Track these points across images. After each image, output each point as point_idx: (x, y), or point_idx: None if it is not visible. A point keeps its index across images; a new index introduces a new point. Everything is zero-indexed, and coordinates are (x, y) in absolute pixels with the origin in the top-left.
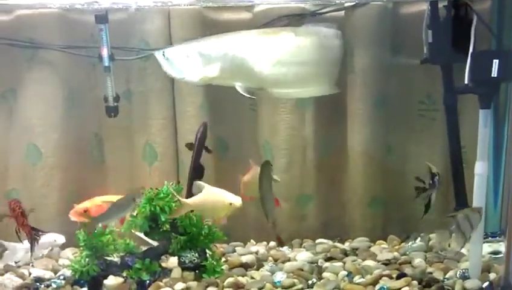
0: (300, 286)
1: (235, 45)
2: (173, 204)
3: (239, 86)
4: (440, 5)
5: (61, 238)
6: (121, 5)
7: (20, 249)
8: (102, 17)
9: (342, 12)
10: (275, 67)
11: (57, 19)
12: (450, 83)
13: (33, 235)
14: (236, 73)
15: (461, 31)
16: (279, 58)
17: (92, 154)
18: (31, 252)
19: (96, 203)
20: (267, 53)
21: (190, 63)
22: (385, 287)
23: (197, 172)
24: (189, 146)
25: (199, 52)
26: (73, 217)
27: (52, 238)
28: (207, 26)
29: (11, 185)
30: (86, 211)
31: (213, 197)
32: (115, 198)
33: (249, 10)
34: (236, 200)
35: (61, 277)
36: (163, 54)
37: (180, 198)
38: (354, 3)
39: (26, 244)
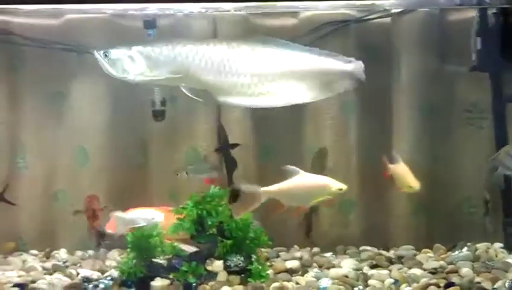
0: None
1: (186, 54)
2: (220, 208)
3: (183, 87)
4: (489, 12)
5: (160, 216)
6: (171, 11)
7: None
8: (150, 23)
9: (389, 19)
10: (221, 76)
11: (105, 24)
12: (498, 90)
13: (98, 237)
14: (182, 78)
15: (510, 38)
16: (228, 69)
17: (136, 158)
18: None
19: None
20: (216, 63)
21: (134, 65)
22: None
23: (233, 165)
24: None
25: (146, 55)
26: (109, 230)
27: (151, 215)
28: (252, 32)
29: (59, 186)
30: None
31: (311, 183)
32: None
33: (294, 16)
34: (342, 185)
35: (109, 278)
36: (106, 54)
37: (258, 186)
38: (401, 9)
39: (129, 214)
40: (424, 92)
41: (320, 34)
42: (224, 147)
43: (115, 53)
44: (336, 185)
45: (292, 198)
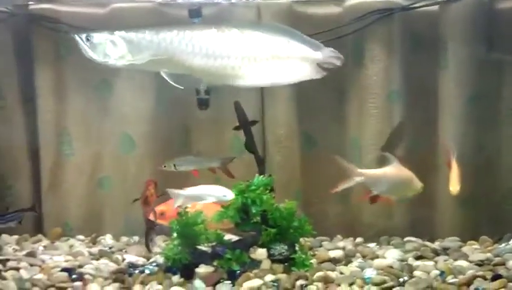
0: (391, 283)
1: (171, 39)
2: (264, 196)
3: (164, 73)
4: None
5: (230, 195)
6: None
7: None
8: (196, 12)
9: (436, 7)
10: (209, 59)
11: (150, 13)
12: None
13: (149, 225)
14: (166, 63)
15: None
16: (209, 51)
17: (180, 145)
18: (146, 242)
19: (172, 206)
20: (199, 47)
21: (116, 49)
22: (480, 288)
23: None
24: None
25: (128, 40)
26: (151, 217)
27: (221, 192)
28: (296, 20)
29: (105, 172)
30: (162, 214)
31: (403, 175)
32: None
33: (338, 4)
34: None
35: (154, 264)
36: (88, 38)
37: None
38: None
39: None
40: (471, 82)
41: (365, 23)
42: (243, 125)
43: (97, 37)
44: (420, 183)
45: (383, 187)
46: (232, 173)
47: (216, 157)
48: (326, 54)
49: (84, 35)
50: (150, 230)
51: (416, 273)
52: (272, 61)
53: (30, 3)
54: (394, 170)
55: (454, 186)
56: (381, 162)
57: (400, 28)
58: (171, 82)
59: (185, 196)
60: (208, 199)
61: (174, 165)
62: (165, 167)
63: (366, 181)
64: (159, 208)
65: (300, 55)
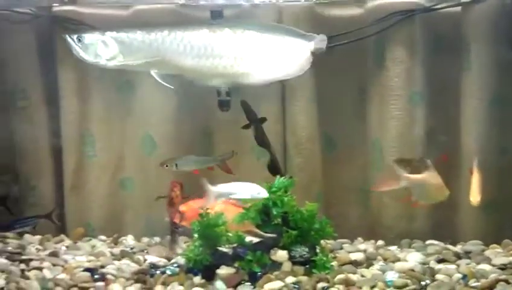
0: (413, 286)
1: (163, 39)
2: (285, 198)
3: (155, 73)
4: None
5: (264, 193)
6: (240, 1)
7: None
8: (218, 13)
9: (459, 8)
10: (201, 59)
11: (171, 14)
12: None
13: (174, 227)
14: (157, 63)
15: None
16: (200, 51)
17: (201, 146)
18: (170, 243)
19: (192, 207)
20: (190, 46)
21: (108, 50)
22: None
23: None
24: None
25: (120, 41)
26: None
27: (256, 190)
28: (318, 21)
29: (126, 173)
30: (181, 215)
31: (438, 182)
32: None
33: (360, 6)
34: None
35: (175, 265)
36: (79, 39)
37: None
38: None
39: (221, 187)
40: (494, 84)
41: (387, 24)
42: (252, 122)
43: (88, 38)
44: (447, 191)
45: (421, 192)
46: (252, 174)
47: (216, 156)
48: (317, 42)
49: (75, 36)
50: (174, 232)
51: (439, 276)
52: (266, 58)
53: (54, 5)
54: (432, 176)
55: (475, 196)
56: (418, 167)
57: (422, 29)
58: (162, 82)
59: (218, 193)
60: (242, 196)
61: (176, 165)
62: (166, 166)
63: (409, 185)
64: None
65: (295, 50)
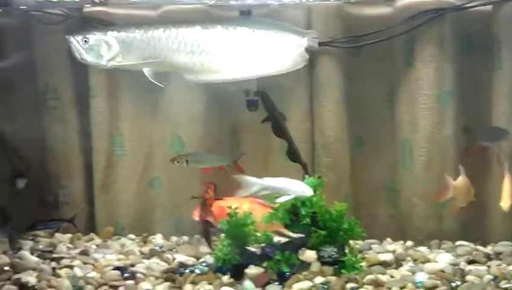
0: (443, 287)
1: (159, 37)
2: (314, 198)
3: (147, 72)
4: None
5: (309, 191)
6: (268, 1)
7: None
8: (247, 13)
9: (489, 7)
10: (187, 56)
11: (200, 14)
12: None
13: (206, 227)
14: (156, 62)
15: None
16: (194, 48)
17: (228, 146)
18: (207, 242)
19: (218, 205)
20: (184, 43)
21: (110, 50)
22: None
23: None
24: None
25: (121, 40)
26: (195, 218)
27: (301, 187)
28: (347, 21)
29: (155, 173)
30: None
31: (469, 185)
32: (235, 202)
33: (390, 5)
34: None
35: (204, 264)
36: (85, 41)
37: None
38: None
39: (265, 181)
40: None
41: (416, 23)
42: (272, 116)
43: (93, 39)
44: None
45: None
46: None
47: (227, 155)
48: (310, 39)
49: (80, 37)
50: (207, 231)
51: (469, 278)
52: (257, 54)
53: (86, 6)
54: (465, 179)
55: (506, 202)
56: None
57: (452, 28)
58: (153, 81)
59: (261, 186)
60: (286, 192)
61: (187, 161)
62: (177, 162)
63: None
64: None
65: (287, 46)
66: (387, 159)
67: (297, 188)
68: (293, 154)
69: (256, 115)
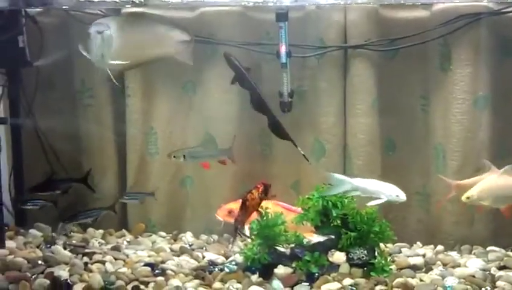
0: None
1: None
2: (346, 200)
3: (111, 70)
4: None
5: (403, 196)
6: (306, 3)
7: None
8: (283, 15)
9: None
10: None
11: (237, 16)
12: None
13: (238, 226)
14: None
15: None
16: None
17: (261, 147)
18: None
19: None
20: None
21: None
22: None
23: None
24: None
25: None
26: (219, 217)
27: (394, 191)
28: (383, 24)
29: (187, 172)
30: (230, 212)
31: (501, 183)
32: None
33: (426, 8)
34: None
35: (233, 263)
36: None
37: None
38: None
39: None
40: None
41: (453, 27)
42: (239, 75)
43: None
44: None
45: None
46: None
47: (225, 149)
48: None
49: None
50: (237, 230)
51: (499, 283)
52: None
53: (127, 6)
54: (491, 178)
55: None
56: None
57: (488, 33)
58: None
59: (352, 185)
60: (378, 195)
61: (184, 156)
62: (174, 157)
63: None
64: (227, 206)
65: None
66: (419, 163)
67: (390, 191)
68: (275, 130)
69: (289, 117)
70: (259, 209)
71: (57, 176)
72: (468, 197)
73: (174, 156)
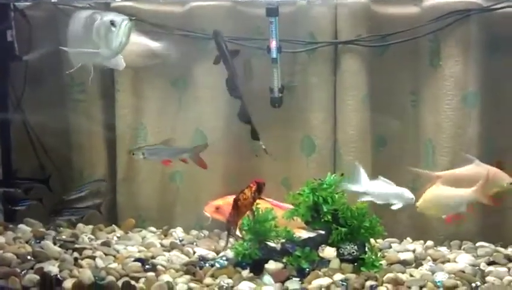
0: (463, 288)
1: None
2: (336, 195)
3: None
4: None
5: (409, 194)
6: None
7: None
8: (273, 10)
9: None
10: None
11: (227, 11)
12: None
13: (230, 227)
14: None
15: None
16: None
17: (251, 143)
18: (226, 241)
19: (229, 201)
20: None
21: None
22: None
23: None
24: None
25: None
26: (206, 213)
27: (407, 195)
28: (374, 19)
29: (177, 167)
30: (218, 208)
31: (483, 173)
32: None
33: (417, 4)
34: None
35: (224, 258)
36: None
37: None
38: None
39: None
40: None
41: (443, 24)
42: (223, 56)
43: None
44: (508, 178)
45: (463, 186)
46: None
47: (187, 147)
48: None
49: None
50: (229, 231)
51: (489, 279)
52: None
53: (116, 0)
54: (472, 169)
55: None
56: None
57: (478, 29)
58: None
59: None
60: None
61: (143, 154)
62: (133, 154)
63: (444, 183)
64: (215, 203)
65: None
66: (409, 159)
67: (404, 196)
68: (243, 116)
69: (279, 112)
70: (252, 208)
71: (20, 174)
72: (417, 207)
73: (133, 153)
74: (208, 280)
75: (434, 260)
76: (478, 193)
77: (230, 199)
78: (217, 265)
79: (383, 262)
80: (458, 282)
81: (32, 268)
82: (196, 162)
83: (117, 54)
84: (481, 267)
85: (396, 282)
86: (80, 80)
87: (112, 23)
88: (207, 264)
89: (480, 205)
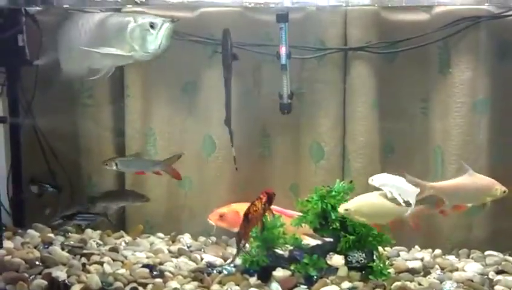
0: None
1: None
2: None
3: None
4: None
5: (414, 190)
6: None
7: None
8: (283, 17)
9: None
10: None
11: (237, 17)
12: None
13: (241, 240)
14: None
15: None
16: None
17: (260, 149)
18: (237, 251)
19: (234, 209)
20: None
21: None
22: None
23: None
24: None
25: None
26: (210, 221)
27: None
28: (383, 26)
29: (186, 173)
30: (222, 216)
31: (476, 183)
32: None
33: (427, 11)
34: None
35: (232, 265)
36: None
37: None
38: None
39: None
40: None
41: (453, 30)
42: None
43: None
44: (501, 187)
45: (455, 197)
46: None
47: (159, 160)
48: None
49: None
50: (240, 243)
51: (498, 288)
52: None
53: (128, 6)
54: (465, 179)
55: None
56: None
57: (488, 36)
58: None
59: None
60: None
61: (116, 165)
62: (106, 165)
63: (437, 194)
64: (219, 211)
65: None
66: (418, 166)
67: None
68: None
69: (288, 118)
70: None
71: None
72: (346, 209)
73: (106, 164)
74: (215, 287)
75: (442, 269)
76: (408, 214)
77: (235, 206)
78: (225, 272)
79: (391, 270)
80: None
81: (40, 273)
82: (170, 174)
83: (154, 57)
84: (490, 276)
85: None
86: (89, 84)
87: (152, 25)
88: (215, 271)
89: (491, 213)
